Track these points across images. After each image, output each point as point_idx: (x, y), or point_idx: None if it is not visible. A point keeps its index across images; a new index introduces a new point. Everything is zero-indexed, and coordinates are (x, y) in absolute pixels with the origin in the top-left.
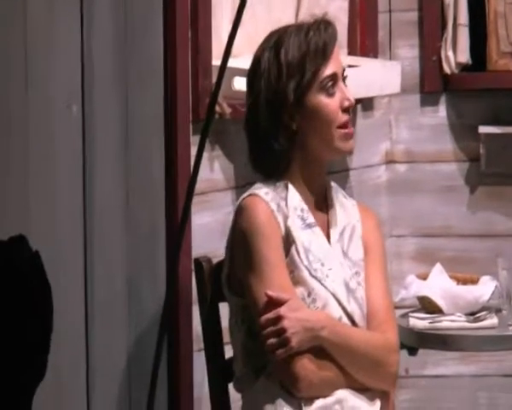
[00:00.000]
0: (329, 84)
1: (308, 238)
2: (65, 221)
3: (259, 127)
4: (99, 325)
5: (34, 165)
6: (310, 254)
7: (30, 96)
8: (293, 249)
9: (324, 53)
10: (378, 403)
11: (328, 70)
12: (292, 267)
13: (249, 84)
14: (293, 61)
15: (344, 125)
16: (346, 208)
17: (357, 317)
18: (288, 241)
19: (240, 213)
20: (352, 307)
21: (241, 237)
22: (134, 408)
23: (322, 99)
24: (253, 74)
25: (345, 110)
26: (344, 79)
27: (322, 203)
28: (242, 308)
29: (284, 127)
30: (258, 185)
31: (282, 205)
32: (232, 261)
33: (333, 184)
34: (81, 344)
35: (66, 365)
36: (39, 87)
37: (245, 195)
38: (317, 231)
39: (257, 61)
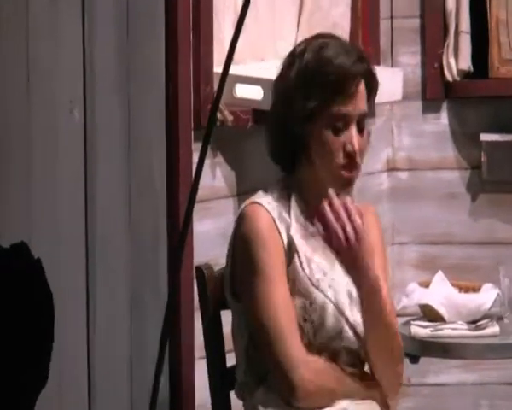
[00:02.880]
0: (338, 123)
1: (311, 247)
2: (67, 229)
3: (274, 122)
4: (100, 333)
5: (36, 170)
6: (312, 263)
7: (32, 101)
8: (295, 259)
9: (343, 90)
10: None
11: (341, 109)
12: (293, 277)
13: (281, 68)
14: (310, 80)
15: (344, 167)
16: None
17: (360, 327)
18: (291, 250)
19: (241, 220)
20: (355, 318)
21: (242, 245)
22: None
23: (327, 134)
24: (284, 65)
25: (347, 153)
26: (360, 124)
27: None
28: (245, 314)
29: (294, 133)
30: (260, 194)
31: (284, 215)
32: (233, 268)
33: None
34: (82, 352)
35: (67, 373)
36: (41, 92)
37: (247, 202)
38: (320, 240)
39: (290, 56)
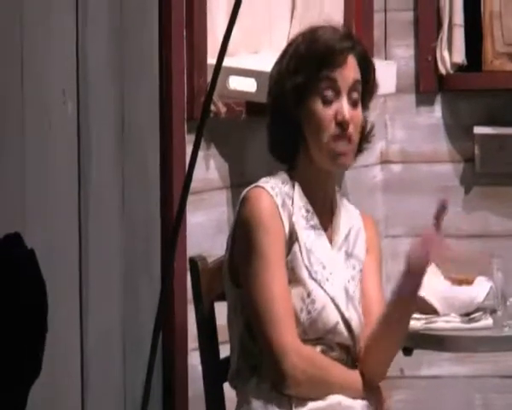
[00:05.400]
0: (328, 91)
1: (310, 240)
2: (60, 219)
3: (270, 110)
4: (93, 323)
5: (30, 162)
6: (311, 255)
7: (25, 92)
8: (295, 247)
9: (330, 58)
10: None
11: (328, 74)
12: (293, 265)
13: (274, 66)
14: (300, 57)
15: (336, 139)
16: (350, 213)
17: (354, 323)
18: (292, 238)
19: (244, 203)
20: (350, 314)
21: (243, 228)
22: (129, 406)
23: (316, 104)
24: (278, 58)
25: (338, 124)
26: (352, 97)
27: (327, 207)
28: (242, 299)
29: (289, 118)
30: (265, 179)
31: (287, 202)
32: (233, 250)
33: (338, 189)
34: (76, 340)
35: (60, 362)
36: (35, 83)
37: (251, 186)
38: (321, 233)
39: (285, 47)
